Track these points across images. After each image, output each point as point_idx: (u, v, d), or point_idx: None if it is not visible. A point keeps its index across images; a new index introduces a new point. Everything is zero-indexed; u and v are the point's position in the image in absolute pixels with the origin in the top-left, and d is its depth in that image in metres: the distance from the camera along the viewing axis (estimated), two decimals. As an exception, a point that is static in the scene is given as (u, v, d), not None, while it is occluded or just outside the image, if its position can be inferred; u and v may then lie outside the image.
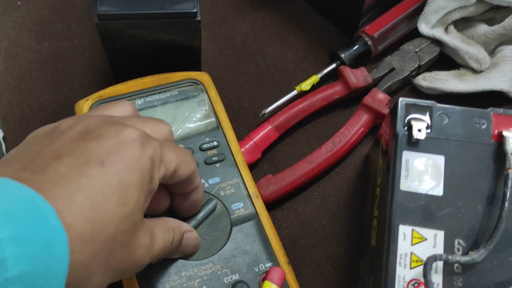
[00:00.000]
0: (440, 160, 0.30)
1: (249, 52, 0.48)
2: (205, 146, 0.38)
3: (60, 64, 0.46)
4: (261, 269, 0.33)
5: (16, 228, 0.19)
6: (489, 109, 0.31)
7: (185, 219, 0.33)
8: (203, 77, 0.41)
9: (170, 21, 0.37)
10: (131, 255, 0.25)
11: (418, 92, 0.45)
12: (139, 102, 0.39)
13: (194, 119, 0.39)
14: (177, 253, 0.31)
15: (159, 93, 0.40)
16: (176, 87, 0.40)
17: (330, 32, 0.49)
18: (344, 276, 0.38)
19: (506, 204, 0.27)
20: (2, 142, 0.42)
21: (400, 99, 0.31)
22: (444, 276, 0.27)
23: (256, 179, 0.39)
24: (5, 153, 0.42)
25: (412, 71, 0.44)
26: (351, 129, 0.41)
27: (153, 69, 0.41)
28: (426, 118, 0.31)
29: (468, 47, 0.43)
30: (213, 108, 0.40)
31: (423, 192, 0.29)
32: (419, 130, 0.30)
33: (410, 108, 0.31)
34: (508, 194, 0.28)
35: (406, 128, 0.31)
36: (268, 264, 0.33)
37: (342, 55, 0.45)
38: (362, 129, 0.42)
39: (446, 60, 0.46)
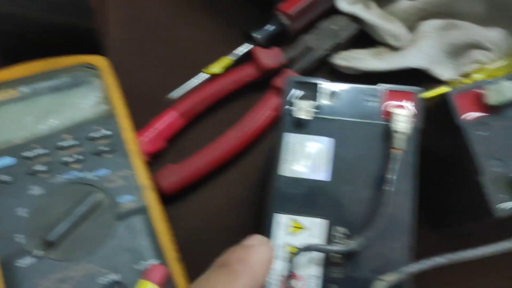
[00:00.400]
0: (326, 141, 0.27)
1: (160, 35, 0.45)
2: (94, 135, 0.35)
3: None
4: (144, 266, 0.30)
5: None
6: (378, 86, 0.28)
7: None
8: (98, 61, 0.38)
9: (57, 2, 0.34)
10: None
11: (336, 73, 0.42)
12: (25, 89, 0.36)
13: (84, 106, 0.36)
14: None
15: (48, 79, 0.36)
16: (68, 73, 0.37)
17: (245, 11, 0.46)
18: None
19: (390, 188, 0.25)
20: None
21: (288, 76, 0.28)
22: (325, 267, 0.25)
23: (158, 169, 0.37)
24: None
25: (328, 50, 0.41)
26: (259, 112, 0.39)
27: (47, 53, 0.38)
28: (314, 97, 0.28)
29: (386, 24, 0.41)
30: (107, 95, 0.36)
31: (306, 177, 0.27)
32: (304, 110, 0.27)
33: (297, 86, 0.28)
34: (392, 177, 0.25)
35: (291, 107, 0.28)
36: (153, 261, 0.31)
37: (256, 35, 0.42)
38: (271, 112, 0.39)
39: (366, 38, 0.43)
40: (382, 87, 0.28)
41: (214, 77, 0.41)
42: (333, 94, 0.28)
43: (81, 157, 0.33)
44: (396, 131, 0.26)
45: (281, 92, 0.30)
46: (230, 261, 0.23)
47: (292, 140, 0.27)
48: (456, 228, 0.33)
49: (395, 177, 0.25)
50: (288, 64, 0.41)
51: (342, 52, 0.42)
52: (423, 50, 0.39)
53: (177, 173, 0.37)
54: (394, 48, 0.41)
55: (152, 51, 0.44)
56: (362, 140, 0.27)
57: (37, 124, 0.35)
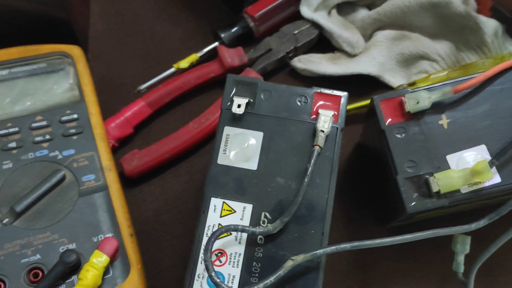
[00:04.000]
0: (258, 136, 0.31)
1: (138, 29, 0.48)
2: (64, 118, 0.38)
3: None
4: (100, 239, 0.34)
5: None
6: (311, 88, 0.32)
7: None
8: (73, 50, 0.41)
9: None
10: None
11: (295, 74, 0.46)
12: (3, 72, 0.39)
13: (58, 91, 0.39)
14: None
15: (26, 64, 0.40)
16: (44, 60, 0.40)
17: (221, 11, 0.49)
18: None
19: (306, 180, 0.28)
20: None
21: (228, 75, 0.32)
22: (246, 246, 0.28)
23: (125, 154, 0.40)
24: None
25: (288, 53, 0.45)
26: (219, 107, 0.42)
27: (25, 41, 0.41)
28: (251, 94, 0.31)
29: (343, 31, 0.44)
30: (79, 82, 0.40)
31: (238, 166, 0.30)
32: (239, 106, 0.30)
33: (237, 84, 0.32)
34: (309, 170, 0.29)
35: (230, 103, 0.31)
36: (108, 235, 0.34)
37: (222, 35, 0.45)
38: (230, 107, 0.42)
39: (326, 44, 0.46)
40: (313, 89, 0.31)
41: (182, 71, 0.45)
42: (268, 93, 0.31)
43: (50, 137, 0.37)
44: (319, 130, 0.30)
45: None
46: None
47: (228, 132, 0.31)
48: (397, 223, 0.37)
49: (311, 170, 0.29)
50: (251, 64, 0.45)
51: (301, 55, 0.45)
52: (375, 58, 0.43)
53: (140, 158, 0.40)
54: (349, 55, 0.45)
55: (130, 44, 0.47)
56: (290, 136, 0.31)
57: (13, 105, 0.38)
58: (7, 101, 0.38)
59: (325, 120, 0.30)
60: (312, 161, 0.29)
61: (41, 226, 0.34)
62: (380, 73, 0.43)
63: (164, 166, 0.42)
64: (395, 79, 0.44)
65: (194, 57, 0.45)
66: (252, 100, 0.31)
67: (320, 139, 0.29)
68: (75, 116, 0.38)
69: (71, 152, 0.37)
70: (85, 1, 0.48)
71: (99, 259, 0.32)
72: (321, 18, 0.45)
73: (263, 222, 0.29)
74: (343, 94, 0.31)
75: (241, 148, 0.30)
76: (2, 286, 0.31)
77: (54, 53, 0.40)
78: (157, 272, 0.39)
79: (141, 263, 0.34)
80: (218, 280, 0.25)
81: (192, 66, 0.45)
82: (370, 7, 0.47)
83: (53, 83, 0.39)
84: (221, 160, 0.30)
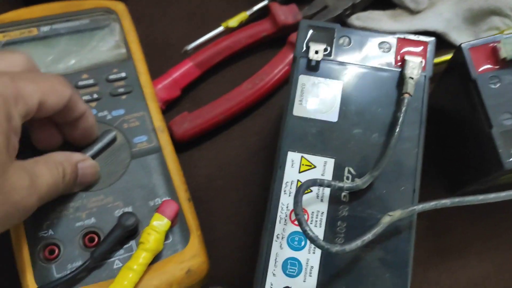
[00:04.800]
0: (337, 85, 0.28)
1: (181, -13, 0.45)
2: (111, 77, 0.35)
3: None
4: (157, 203, 0.31)
5: None
6: (394, 34, 0.29)
7: (81, 150, 0.31)
8: (117, 6, 0.38)
9: None
10: (9, 199, 0.23)
11: (352, 33, 0.42)
12: (44, 29, 0.36)
13: (103, 49, 0.36)
14: (77, 186, 0.30)
15: (68, 21, 0.37)
16: (87, 16, 0.37)
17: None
18: (259, 217, 0.37)
19: (397, 130, 0.25)
20: None
21: (302, 20, 0.29)
22: (329, 204, 0.26)
23: (174, 117, 0.37)
24: None
25: (346, 10, 0.42)
26: (275, 67, 0.39)
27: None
28: (328, 41, 0.28)
29: (406, -15, 0.41)
30: (125, 39, 0.37)
31: (317, 118, 0.27)
32: (316, 52, 0.27)
33: (312, 30, 0.29)
34: (400, 120, 0.26)
35: (305, 51, 0.28)
36: (166, 199, 0.31)
37: (274, -9, 0.42)
38: (286, 67, 0.39)
39: (384, 0, 0.43)
40: (396, 35, 0.28)
41: (231, 31, 0.42)
42: (346, 39, 0.28)
43: (98, 96, 0.34)
44: (407, 77, 0.27)
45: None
46: None
47: (304, 82, 0.28)
48: (471, 188, 0.34)
49: (402, 120, 0.26)
50: (305, 22, 0.42)
51: (359, 12, 0.42)
52: (441, 14, 0.39)
53: (191, 121, 0.38)
54: (411, 12, 0.41)
55: (173, 3, 0.45)
56: (372, 86, 0.28)
57: (57, 64, 0.35)
58: (50, 59, 0.35)
59: (414, 67, 0.27)
60: (403, 110, 0.26)
61: (94, 189, 0.31)
62: (447, 31, 0.40)
63: (215, 130, 0.39)
64: (461, 38, 0.41)
65: (243, 15, 0.42)
66: (329, 47, 0.28)
67: (410, 87, 0.26)
68: (123, 74, 0.35)
69: (120, 112, 0.34)
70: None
71: (160, 223, 0.29)
72: (380, -28, 0.42)
73: (347, 178, 0.26)
74: (430, 40, 0.28)
75: (318, 98, 0.27)
76: (56, 251, 0.29)
77: (97, 9, 0.38)
78: (212, 239, 0.36)
79: (200, 230, 0.32)
80: (313, 235, 0.22)
81: (242, 25, 0.42)
82: (431, -40, 0.43)
83: (97, 40, 0.37)
84: (297, 111, 0.27)
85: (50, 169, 0.26)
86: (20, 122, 0.24)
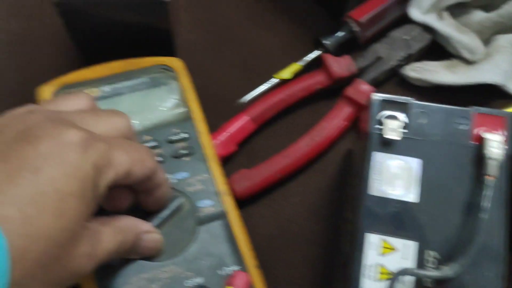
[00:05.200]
0: (415, 163, 0.27)
1: (232, 37, 0.46)
2: (173, 138, 0.35)
3: (30, 46, 0.44)
4: (225, 272, 0.31)
5: None
6: (470, 108, 0.28)
7: (148, 216, 0.31)
8: (175, 63, 0.38)
9: (135, 2, 0.35)
10: (71, 266, 0.23)
11: (406, 84, 0.42)
12: (106, 89, 0.37)
13: (163, 108, 0.37)
14: (134, 254, 0.30)
15: (128, 79, 0.37)
16: (146, 74, 0.38)
17: (318, 16, 0.46)
18: (319, 279, 0.37)
19: (484, 216, 0.25)
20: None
21: (373, 94, 0.29)
22: (416, 290, 0.25)
23: (231, 174, 0.37)
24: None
25: (400, 61, 0.41)
26: (332, 122, 0.39)
27: (124, 53, 0.39)
28: (402, 116, 0.28)
29: (461, 36, 0.40)
30: (184, 97, 0.37)
31: (395, 197, 0.27)
32: (393, 130, 0.27)
33: (384, 105, 0.28)
34: (485, 204, 0.25)
35: (379, 126, 0.28)
36: (234, 268, 0.31)
37: (326, 42, 0.42)
38: (343, 122, 0.39)
39: (438, 49, 0.43)
40: (475, 110, 0.28)
41: (284, 82, 0.42)
42: (422, 114, 0.28)
43: (162, 159, 0.34)
44: (489, 158, 0.26)
45: (366, 109, 0.30)
46: None
47: (380, 159, 0.28)
48: None
49: (489, 205, 0.25)
50: (359, 74, 0.41)
51: (414, 63, 0.42)
52: (499, 65, 0.39)
53: (250, 178, 0.38)
54: (467, 62, 0.41)
55: (222, 54, 0.45)
56: (450, 163, 0.27)
57: (120, 125, 0.36)
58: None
59: (493, 146, 0.26)
60: (488, 194, 0.25)
61: (164, 258, 0.31)
62: (505, 82, 0.39)
63: (273, 187, 0.39)
64: (518, 87, 0.40)
65: (296, 66, 0.42)
66: (404, 123, 0.28)
67: (493, 168, 0.26)
68: (185, 135, 0.36)
69: (184, 175, 0.34)
70: (176, 9, 0.45)
71: (232, 296, 0.29)
72: (435, 21, 0.41)
73: (430, 262, 0.26)
74: (509, 114, 0.28)
75: (396, 177, 0.27)
76: (131, 325, 0.29)
77: (156, 67, 0.38)
78: (276, 304, 0.36)
79: (269, 299, 0.32)
80: None
81: (294, 76, 0.42)
82: (486, 8, 0.43)
83: (157, 99, 0.37)
84: (374, 190, 0.27)
85: (115, 235, 0.26)
86: (105, 191, 0.24)
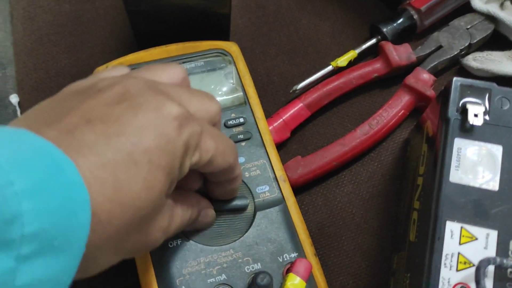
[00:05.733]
0: (497, 150, 0.26)
1: (282, 22, 0.45)
2: (230, 122, 0.35)
3: (81, 28, 0.43)
4: (285, 259, 0.30)
5: (33, 180, 0.16)
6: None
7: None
8: (231, 47, 0.38)
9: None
10: (147, 238, 0.22)
11: (466, 74, 0.41)
12: (162, 71, 0.36)
13: (220, 92, 0.36)
14: (190, 227, 0.29)
15: (184, 62, 0.37)
16: (202, 57, 0.37)
17: (370, 3, 0.45)
18: (374, 269, 0.36)
19: None
20: (17, 107, 0.40)
21: (454, 79, 0.28)
22: (495, 281, 0.24)
23: (283, 160, 0.36)
24: (20, 119, 0.40)
25: (461, 50, 0.40)
26: (390, 111, 0.38)
27: (178, 37, 0.38)
28: (484, 102, 0.27)
29: (527, 26, 0.39)
30: (241, 81, 0.36)
31: (476, 185, 0.26)
32: (476, 115, 0.26)
33: (465, 90, 0.27)
34: None
35: (459, 112, 0.27)
36: (293, 255, 0.31)
37: (384, 29, 0.41)
38: (402, 111, 0.38)
39: (500, 39, 0.41)
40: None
41: (338, 70, 0.41)
42: (503, 100, 0.27)
43: (218, 143, 0.34)
44: None
45: (443, 94, 0.29)
46: None
47: (460, 146, 0.26)
48: None
49: None
50: (417, 63, 0.40)
51: (476, 53, 0.40)
52: None
53: (305, 166, 0.37)
54: (532, 52, 0.39)
55: (271, 39, 0.44)
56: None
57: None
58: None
59: None
60: None
61: (223, 243, 0.30)
62: None
63: (326, 175, 0.38)
64: None
65: (352, 54, 0.41)
66: (486, 108, 0.27)
67: None
68: (241, 120, 0.35)
69: (241, 160, 0.34)
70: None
71: (295, 283, 0.28)
72: (497, 10, 0.40)
73: (512, 253, 0.25)
74: None
75: (477, 164, 0.26)
76: (190, 309, 0.28)
77: (212, 51, 0.37)
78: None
79: (327, 285, 0.31)
80: None
81: (350, 64, 0.41)
82: (551, -3, 0.41)
83: (213, 82, 0.36)
84: (454, 178, 0.26)
85: (184, 211, 0.26)
86: (186, 172, 0.23)
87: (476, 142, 0.26)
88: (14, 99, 0.40)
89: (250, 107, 0.36)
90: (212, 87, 0.36)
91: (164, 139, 0.21)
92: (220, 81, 0.36)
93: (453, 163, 0.26)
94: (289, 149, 0.40)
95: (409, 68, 0.40)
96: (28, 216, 0.15)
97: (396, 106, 0.38)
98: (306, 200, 0.38)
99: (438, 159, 0.26)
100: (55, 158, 0.18)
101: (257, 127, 0.35)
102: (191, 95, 0.25)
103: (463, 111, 0.27)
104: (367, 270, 0.36)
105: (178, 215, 0.25)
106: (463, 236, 0.25)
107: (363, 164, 0.39)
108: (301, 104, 0.39)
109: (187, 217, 0.26)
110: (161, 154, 0.21)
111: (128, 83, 0.22)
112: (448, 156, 0.26)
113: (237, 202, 0.31)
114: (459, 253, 0.25)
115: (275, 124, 0.38)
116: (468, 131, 0.26)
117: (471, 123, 0.26)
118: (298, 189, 0.37)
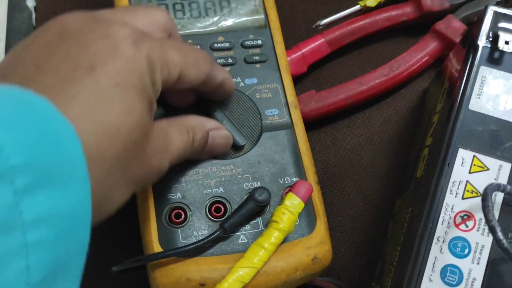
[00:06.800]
0: (524, 82, 0.25)
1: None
2: (248, 43, 0.34)
3: None
4: (286, 182, 0.30)
5: (3, 115, 0.16)
6: None
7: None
8: (256, -31, 0.36)
9: None
10: (148, 163, 0.22)
11: (499, 29, 0.39)
12: (184, -13, 0.35)
13: (241, 12, 0.35)
14: (204, 154, 0.28)
15: (207, -23, 0.35)
16: (226, -26, 0.36)
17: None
18: (374, 213, 0.35)
19: None
20: (33, 11, 0.39)
21: (489, 7, 0.26)
22: (501, 213, 0.23)
23: (297, 94, 0.35)
24: (34, 24, 0.39)
25: (498, 3, 0.38)
26: (415, 55, 0.36)
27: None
28: (512, 31, 0.25)
29: None
30: (263, 4, 0.35)
31: (496, 115, 0.24)
32: (507, 43, 0.24)
33: (499, 18, 0.26)
34: None
35: (489, 40, 0.25)
36: (295, 179, 0.30)
37: (419, -27, 0.39)
38: (427, 57, 0.36)
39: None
40: None
41: (367, 11, 0.39)
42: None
43: (232, 61, 0.33)
44: None
45: (475, 24, 0.27)
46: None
47: (485, 74, 0.25)
48: None
49: None
50: (449, 10, 0.38)
51: (513, 7, 0.38)
52: None
53: (319, 100, 0.35)
54: None
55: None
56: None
57: (194, 22, 0.34)
58: (187, 17, 0.34)
59: None
60: None
61: (224, 157, 0.30)
62: None
63: (338, 114, 0.37)
64: None
65: (383, -5, 0.39)
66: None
67: None
68: (259, 42, 0.34)
69: (253, 81, 0.33)
70: None
71: (293, 202, 0.27)
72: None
73: (525, 187, 0.23)
74: None
75: (500, 95, 0.25)
76: (183, 216, 0.28)
77: (237, -31, 0.36)
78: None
79: (326, 216, 0.30)
80: (508, 246, 0.20)
81: (379, 6, 0.39)
82: None
83: (236, 2, 0.35)
84: (474, 106, 0.25)
85: (182, 133, 0.25)
86: (161, 87, 0.23)
87: (502, 73, 0.25)
88: (30, 3, 0.39)
89: (270, 31, 0.34)
90: (234, 5, 0.35)
91: (123, 59, 0.20)
92: (242, 1, 0.35)
93: (475, 90, 0.25)
94: (304, 85, 0.38)
95: (440, 16, 0.38)
96: (8, 148, 0.15)
97: (421, 51, 0.36)
98: (314, 138, 0.37)
99: (460, 86, 0.25)
100: (24, 97, 0.17)
101: (274, 51, 0.34)
102: (133, 12, 0.24)
103: (494, 39, 0.25)
104: (367, 213, 0.35)
105: (175, 136, 0.25)
106: (474, 165, 0.24)
107: (378, 108, 0.37)
108: (322, 40, 0.38)
109: (188, 139, 0.25)
110: (125, 75, 0.20)
111: (63, 20, 0.22)
112: (471, 83, 0.25)
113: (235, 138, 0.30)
114: (467, 181, 0.23)
115: (293, 56, 0.37)
116: (495, 60, 0.25)
117: (500, 48, 0.24)
118: (307, 125, 0.36)
